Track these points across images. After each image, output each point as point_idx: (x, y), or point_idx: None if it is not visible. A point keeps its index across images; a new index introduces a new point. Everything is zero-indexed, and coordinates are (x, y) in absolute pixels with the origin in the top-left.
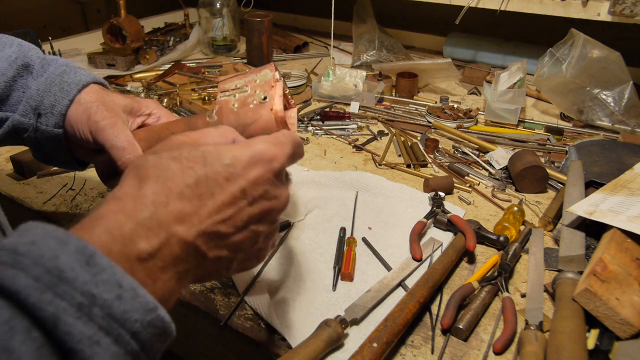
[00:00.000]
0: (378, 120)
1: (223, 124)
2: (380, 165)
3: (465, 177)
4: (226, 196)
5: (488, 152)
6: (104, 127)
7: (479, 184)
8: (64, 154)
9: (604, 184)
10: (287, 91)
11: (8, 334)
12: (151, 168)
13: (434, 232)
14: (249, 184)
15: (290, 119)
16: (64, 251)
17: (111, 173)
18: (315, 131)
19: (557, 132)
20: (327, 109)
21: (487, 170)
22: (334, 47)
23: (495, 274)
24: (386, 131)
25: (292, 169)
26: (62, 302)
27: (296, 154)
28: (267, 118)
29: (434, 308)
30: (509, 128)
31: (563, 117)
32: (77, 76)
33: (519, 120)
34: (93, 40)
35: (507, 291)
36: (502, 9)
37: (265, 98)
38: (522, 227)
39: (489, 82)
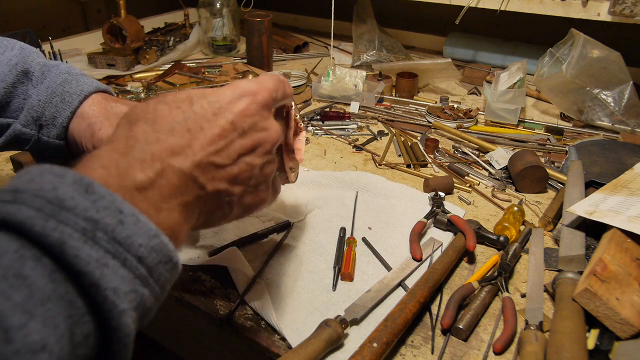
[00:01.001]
0: (378, 120)
1: None
2: (380, 165)
3: (465, 177)
4: (216, 129)
5: (488, 152)
6: None
7: (479, 184)
8: (66, 163)
9: (604, 184)
10: (298, 116)
11: (19, 261)
12: (140, 112)
13: (434, 232)
14: (236, 116)
15: (298, 144)
16: (62, 183)
17: None
18: (315, 131)
19: (557, 132)
20: (327, 109)
21: (487, 170)
22: (334, 47)
23: (495, 274)
24: (386, 131)
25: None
26: (67, 227)
27: (279, 89)
28: None
29: (434, 308)
30: (509, 128)
31: (563, 117)
32: (79, 86)
33: (519, 120)
34: (93, 40)
35: (507, 291)
36: (502, 9)
37: None
38: (522, 227)
39: (489, 82)
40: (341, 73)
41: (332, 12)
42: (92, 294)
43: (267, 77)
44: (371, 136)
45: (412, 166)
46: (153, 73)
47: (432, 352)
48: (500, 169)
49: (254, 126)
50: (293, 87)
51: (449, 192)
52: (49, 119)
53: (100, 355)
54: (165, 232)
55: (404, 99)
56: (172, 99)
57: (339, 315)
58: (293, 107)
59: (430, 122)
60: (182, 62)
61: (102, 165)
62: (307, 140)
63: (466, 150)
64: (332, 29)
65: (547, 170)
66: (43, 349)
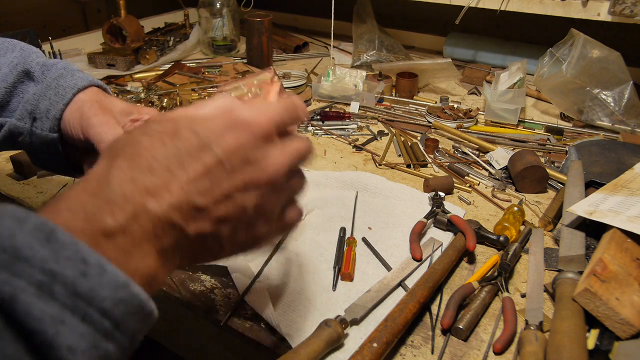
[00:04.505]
0: (378, 120)
1: None
2: (380, 165)
3: (465, 177)
4: (199, 166)
5: (488, 152)
6: (95, 124)
7: (479, 184)
8: (59, 159)
9: (604, 184)
10: (286, 93)
11: None
12: (122, 146)
13: (434, 232)
14: (224, 153)
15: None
16: (22, 229)
17: None
18: (315, 131)
19: (557, 132)
20: (327, 109)
21: (487, 170)
22: (334, 47)
23: (495, 274)
24: (386, 131)
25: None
26: (20, 281)
27: (288, 117)
28: None
29: (434, 308)
30: (509, 128)
31: (563, 117)
32: (74, 80)
33: (519, 120)
34: (93, 40)
35: (507, 291)
36: (502, 9)
37: (259, 91)
38: (522, 227)
39: (489, 82)
40: (341, 73)
41: (332, 12)
42: (44, 354)
43: (279, 103)
44: (371, 136)
45: (412, 166)
46: (153, 73)
47: (432, 352)
48: (500, 169)
49: (245, 161)
50: (293, 87)
51: (449, 192)
52: (42, 112)
53: None
54: (138, 278)
55: (404, 99)
56: (157, 128)
57: (339, 315)
58: (278, 81)
59: (430, 122)
60: (182, 62)
61: (69, 208)
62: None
63: (466, 150)
64: (332, 29)
65: (547, 170)
66: None
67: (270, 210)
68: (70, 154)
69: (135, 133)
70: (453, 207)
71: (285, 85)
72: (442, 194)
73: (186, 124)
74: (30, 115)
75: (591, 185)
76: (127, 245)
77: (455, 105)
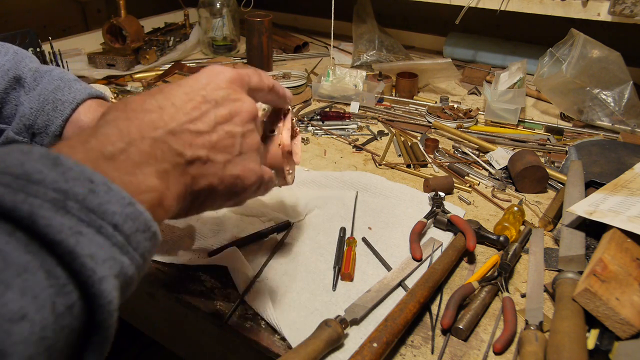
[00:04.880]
0: (378, 120)
1: None
2: (380, 165)
3: (465, 177)
4: (189, 104)
5: (488, 152)
6: None
7: (479, 184)
8: None
9: (604, 184)
10: (294, 119)
11: None
12: (113, 106)
13: (434, 232)
14: (207, 91)
15: (295, 147)
16: (29, 158)
17: None
18: (315, 131)
19: (557, 132)
20: (327, 109)
21: (487, 170)
22: (334, 47)
23: (495, 274)
24: (386, 131)
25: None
26: (36, 199)
27: (253, 76)
28: (274, 153)
29: (434, 308)
30: (509, 128)
31: (563, 117)
32: (72, 93)
33: (519, 120)
34: (93, 40)
35: (507, 291)
36: (502, 9)
37: (272, 131)
38: (522, 227)
39: (489, 82)
40: (341, 73)
41: (332, 12)
42: (69, 263)
43: (242, 66)
44: (371, 136)
45: (412, 166)
46: (153, 73)
47: (432, 352)
48: (500, 169)
49: (227, 97)
50: (293, 87)
51: (449, 192)
52: (41, 128)
53: (86, 325)
54: (144, 196)
55: (404, 99)
56: (146, 92)
57: (339, 315)
58: (289, 112)
59: (430, 122)
60: (182, 62)
61: (69, 145)
62: (307, 140)
63: (466, 150)
64: (332, 29)
65: (547, 170)
66: (23, 319)
67: (252, 144)
68: None
69: (125, 98)
70: (453, 207)
71: (285, 85)
72: (442, 194)
73: (172, 85)
74: (29, 130)
75: (591, 185)
76: (127, 166)
77: (455, 105)
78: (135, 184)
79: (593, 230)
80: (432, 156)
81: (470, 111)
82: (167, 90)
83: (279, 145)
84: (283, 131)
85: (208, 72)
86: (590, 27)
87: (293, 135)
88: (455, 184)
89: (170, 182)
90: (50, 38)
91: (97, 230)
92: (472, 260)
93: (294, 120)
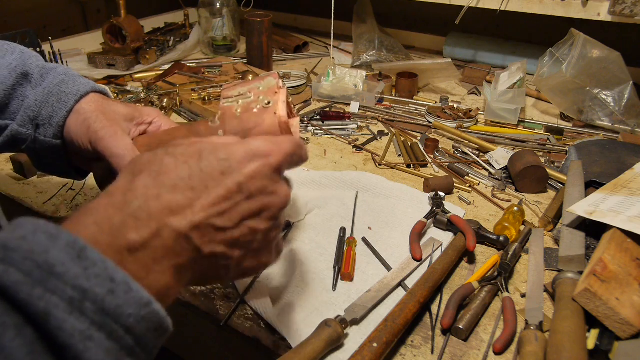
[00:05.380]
0: (378, 120)
1: (226, 128)
2: (380, 165)
3: (465, 177)
4: (222, 190)
5: (488, 152)
6: (104, 137)
7: (479, 184)
8: (62, 164)
9: (604, 184)
10: (290, 99)
11: (0, 330)
12: (145, 163)
13: (434, 232)
14: (245, 178)
15: (293, 127)
16: (55, 246)
17: (110, 181)
18: (315, 131)
19: (557, 132)
20: (327, 109)
21: (487, 170)
22: (334, 47)
23: (495, 274)
24: (386, 131)
25: (292, 170)
26: (53, 297)
27: (296, 154)
28: (270, 122)
29: (434, 308)
30: (509, 128)
31: (563, 117)
32: (76, 86)
33: (519, 120)
34: (93, 40)
35: (507, 291)
36: (502, 9)
37: (268, 103)
38: (522, 227)
39: (489, 82)
40: (341, 73)
41: (332, 12)
42: None
43: (286, 138)
44: (371, 136)
45: (412, 166)
46: (153, 73)
47: (432, 352)
48: (500, 169)
49: (262, 190)
50: (293, 87)
51: (449, 192)
52: (45, 119)
53: None
54: (154, 293)
55: (404, 99)
56: (181, 151)
57: (339, 315)
58: (284, 87)
59: (430, 122)
60: (182, 62)
61: (96, 222)
62: (307, 140)
63: (466, 150)
64: (332, 29)
65: (547, 170)
66: None
67: (273, 238)
68: (73, 157)
69: (159, 153)
70: (453, 207)
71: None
72: (442, 194)
73: (209, 149)
74: (33, 122)
75: (591, 185)
76: (148, 260)
77: (455, 105)
78: (152, 282)
79: (593, 230)
80: (432, 156)
81: (470, 111)
82: (204, 162)
83: (275, 113)
84: (279, 102)
85: (254, 150)
86: (590, 27)
87: (290, 116)
88: (455, 184)
89: (182, 275)
90: (50, 38)
91: (108, 336)
92: (472, 260)
93: (291, 101)
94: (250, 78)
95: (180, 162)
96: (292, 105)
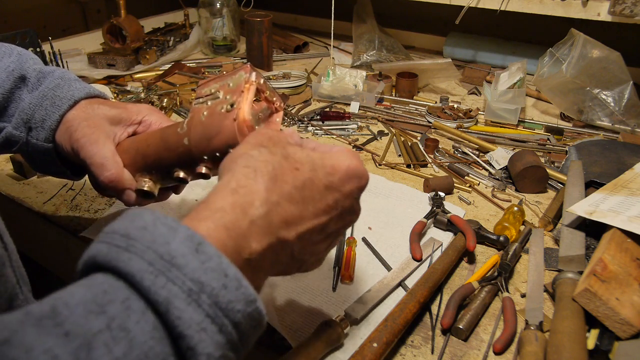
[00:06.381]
0: (378, 120)
1: (191, 136)
2: (380, 165)
3: (465, 177)
4: (323, 204)
5: (488, 152)
6: (84, 145)
7: (479, 184)
8: (55, 166)
9: (604, 184)
10: (268, 93)
11: (125, 312)
12: (262, 162)
13: (434, 232)
14: (342, 196)
15: (273, 124)
16: (175, 237)
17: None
18: (315, 131)
19: (557, 132)
20: (327, 109)
21: (487, 170)
22: (334, 47)
23: (495, 274)
24: (386, 131)
25: None
26: (174, 287)
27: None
28: (228, 131)
29: (434, 308)
30: (509, 128)
31: (563, 117)
32: (70, 90)
33: (519, 120)
34: (93, 40)
35: (507, 291)
36: (502, 9)
37: (232, 105)
38: (522, 227)
39: (489, 82)
40: (341, 73)
41: (332, 12)
42: (186, 356)
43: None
44: (371, 136)
45: (412, 166)
46: (153, 73)
47: (432, 352)
48: (500, 169)
49: (350, 208)
50: (293, 87)
51: (449, 192)
52: (38, 122)
53: None
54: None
55: (404, 99)
56: (294, 156)
57: (339, 315)
58: (254, 83)
59: (430, 122)
60: (182, 62)
61: (214, 220)
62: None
63: (466, 150)
64: (332, 29)
65: (547, 170)
66: None
67: (336, 244)
68: (68, 158)
69: (275, 151)
70: (453, 207)
71: (285, 86)
72: (442, 194)
73: (317, 159)
74: (26, 124)
75: (591, 185)
76: (258, 267)
77: (455, 105)
78: (255, 281)
79: (593, 230)
80: (432, 156)
81: (470, 111)
82: (316, 174)
83: (234, 119)
84: (243, 104)
85: (354, 169)
86: (590, 27)
87: (273, 112)
88: (455, 184)
89: (272, 274)
90: (50, 38)
91: (219, 329)
92: (472, 260)
93: (268, 94)
94: (225, 72)
95: (293, 168)
96: (274, 99)
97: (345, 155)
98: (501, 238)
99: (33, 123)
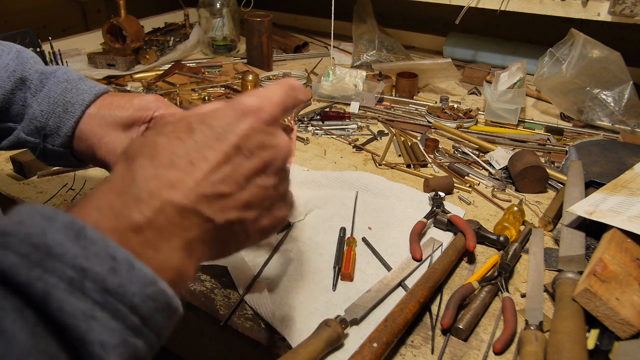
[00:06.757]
0: (378, 120)
1: None
2: (380, 165)
3: (465, 177)
4: (219, 155)
5: (488, 152)
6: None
7: (479, 184)
8: (71, 161)
9: (604, 184)
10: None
11: None
12: (137, 147)
13: (434, 232)
14: (240, 138)
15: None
16: (52, 227)
17: None
18: (315, 131)
19: (557, 132)
20: (327, 109)
21: (487, 170)
22: (334, 47)
23: (495, 274)
24: (386, 131)
25: (292, 170)
26: (52, 277)
27: (290, 98)
28: None
29: (434, 308)
30: (509, 128)
31: (563, 117)
32: (80, 95)
33: (519, 120)
34: (93, 40)
35: (507, 291)
36: (502, 9)
37: None
38: (522, 227)
39: (489, 82)
40: (341, 73)
41: (332, 12)
42: (77, 349)
43: (275, 86)
44: (371, 136)
45: (412, 166)
46: (153, 73)
47: (432, 352)
48: (500, 169)
49: (261, 145)
50: None
51: (449, 192)
52: (52, 129)
53: None
54: (167, 273)
55: (404, 99)
56: (171, 129)
57: (339, 315)
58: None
59: (430, 122)
60: (182, 62)
61: (97, 207)
62: (307, 140)
63: (466, 150)
64: (332, 29)
65: (547, 170)
66: None
67: (284, 191)
68: (87, 159)
69: (150, 135)
70: (453, 207)
71: None
72: (442, 194)
73: (198, 119)
74: (40, 132)
75: (591, 185)
76: (154, 239)
77: (455, 105)
78: (160, 261)
79: (593, 230)
80: (432, 156)
81: (470, 111)
82: (197, 133)
83: None
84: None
85: (242, 107)
86: (590, 27)
87: (287, 131)
88: (455, 184)
89: (197, 250)
90: (50, 38)
91: (111, 315)
92: (472, 260)
93: (290, 117)
94: (249, 78)
95: (172, 138)
96: (289, 118)
97: (237, 99)
98: (501, 238)
99: (47, 131)
